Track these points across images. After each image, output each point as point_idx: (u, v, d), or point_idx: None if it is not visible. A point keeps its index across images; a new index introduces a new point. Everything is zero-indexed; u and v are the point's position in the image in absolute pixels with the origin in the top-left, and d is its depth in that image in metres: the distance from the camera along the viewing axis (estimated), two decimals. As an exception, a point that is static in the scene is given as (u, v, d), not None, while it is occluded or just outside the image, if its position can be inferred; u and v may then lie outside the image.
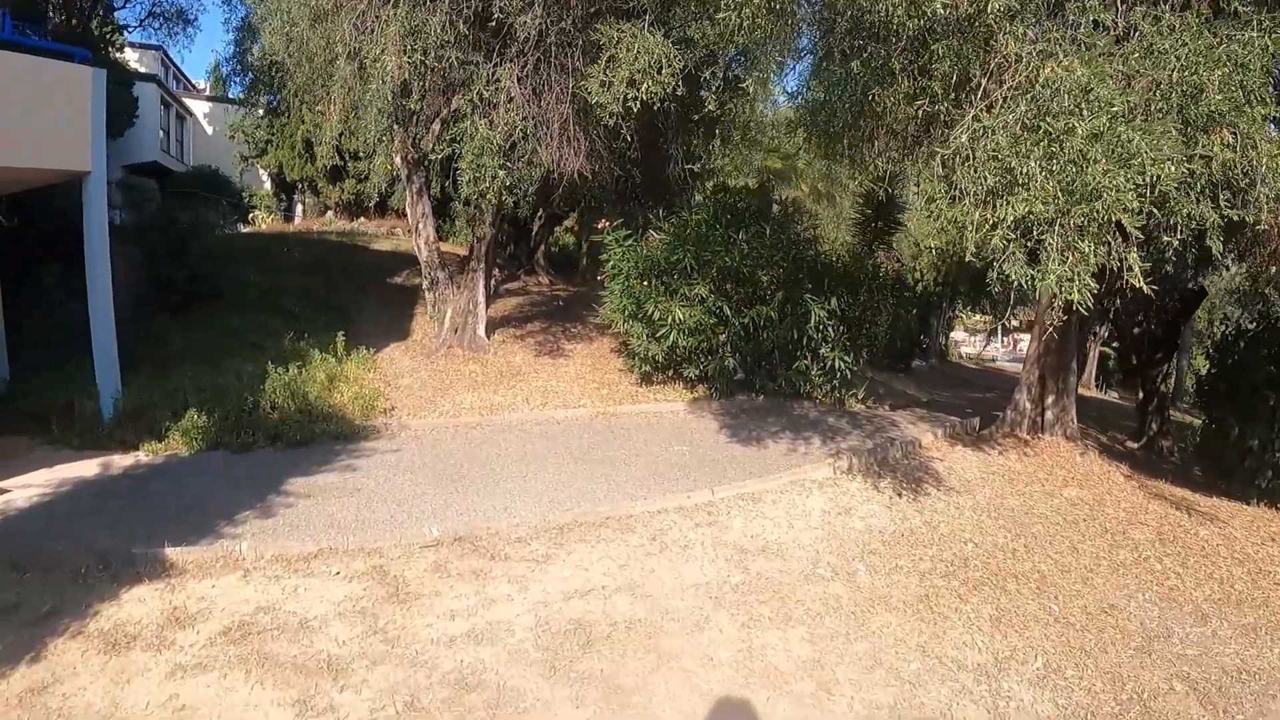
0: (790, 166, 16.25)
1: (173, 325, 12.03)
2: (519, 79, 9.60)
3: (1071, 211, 4.20)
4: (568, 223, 20.64)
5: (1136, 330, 12.68)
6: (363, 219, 24.76)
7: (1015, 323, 32.62)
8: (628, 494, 6.97)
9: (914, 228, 18.13)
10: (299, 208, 28.38)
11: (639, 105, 8.06)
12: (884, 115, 6.07)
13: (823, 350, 10.21)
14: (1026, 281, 4.56)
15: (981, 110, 4.88)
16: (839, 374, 10.20)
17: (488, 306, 13.12)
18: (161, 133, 21.21)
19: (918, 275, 16.79)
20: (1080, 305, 4.47)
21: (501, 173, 9.64)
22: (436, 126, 11.91)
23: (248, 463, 7.66)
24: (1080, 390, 22.17)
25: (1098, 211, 4.15)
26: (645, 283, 10.57)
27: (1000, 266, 4.69)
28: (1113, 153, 4.12)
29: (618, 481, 7.31)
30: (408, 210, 14.59)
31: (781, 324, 10.10)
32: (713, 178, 14.80)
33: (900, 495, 7.37)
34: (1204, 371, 11.01)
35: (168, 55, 28.53)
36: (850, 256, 10.79)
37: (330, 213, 26.09)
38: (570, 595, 5.15)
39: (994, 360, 33.34)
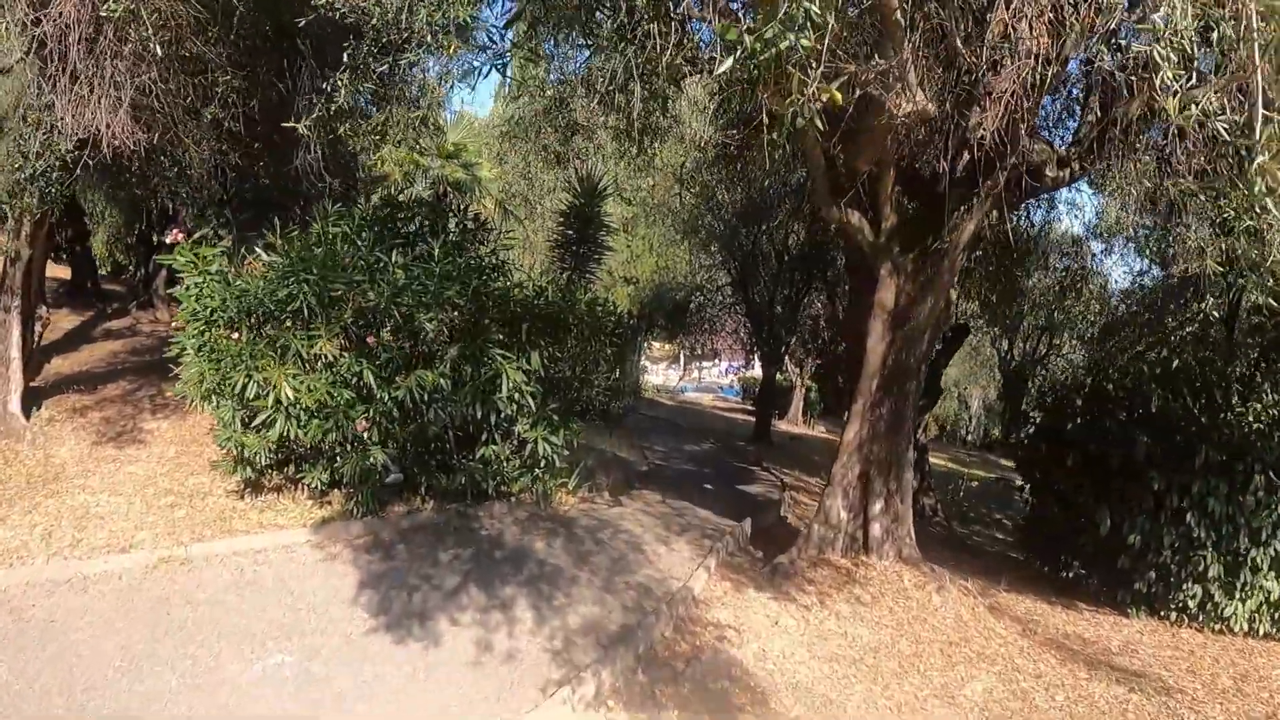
0: (473, 178, 13.03)
1: None
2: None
3: None
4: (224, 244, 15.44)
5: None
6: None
7: (698, 351, 33.17)
8: None
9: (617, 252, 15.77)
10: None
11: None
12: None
13: (519, 428, 7.10)
14: None
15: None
16: (544, 460, 7.17)
17: (26, 365, 8.28)
18: None
19: (612, 307, 14.49)
20: None
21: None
22: None
23: None
24: (788, 427, 21.16)
25: None
26: (237, 335, 6.65)
27: None
28: None
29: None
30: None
31: (458, 394, 6.77)
32: (379, 187, 10.99)
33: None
34: (1027, 434, 9.51)
35: None
36: (557, 290, 7.72)
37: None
38: None
39: (684, 390, 33.95)
